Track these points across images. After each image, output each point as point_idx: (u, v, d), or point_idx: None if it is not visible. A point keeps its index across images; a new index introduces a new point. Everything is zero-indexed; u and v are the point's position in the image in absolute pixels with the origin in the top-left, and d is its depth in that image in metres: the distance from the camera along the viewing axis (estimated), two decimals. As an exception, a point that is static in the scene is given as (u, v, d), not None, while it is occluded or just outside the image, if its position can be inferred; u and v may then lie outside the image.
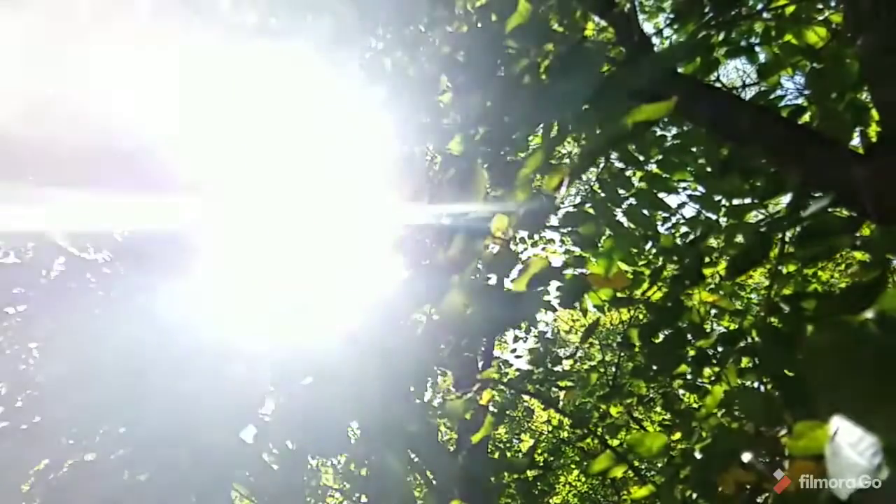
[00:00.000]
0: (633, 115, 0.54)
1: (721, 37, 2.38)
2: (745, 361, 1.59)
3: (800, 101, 3.19)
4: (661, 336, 1.52)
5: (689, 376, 1.75)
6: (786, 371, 1.12)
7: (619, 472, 1.18)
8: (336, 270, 1.54)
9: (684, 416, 1.88)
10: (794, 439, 0.69)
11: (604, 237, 2.28)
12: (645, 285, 1.87)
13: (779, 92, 2.39)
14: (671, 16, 2.11)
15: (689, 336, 1.46)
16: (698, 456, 1.14)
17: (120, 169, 2.47)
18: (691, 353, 1.50)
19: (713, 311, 2.41)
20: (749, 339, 1.41)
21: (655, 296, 1.78)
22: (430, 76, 2.62)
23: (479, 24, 2.44)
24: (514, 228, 0.94)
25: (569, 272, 1.48)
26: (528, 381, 4.67)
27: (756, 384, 1.76)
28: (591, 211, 2.53)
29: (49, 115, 2.24)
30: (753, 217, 2.59)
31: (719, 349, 1.53)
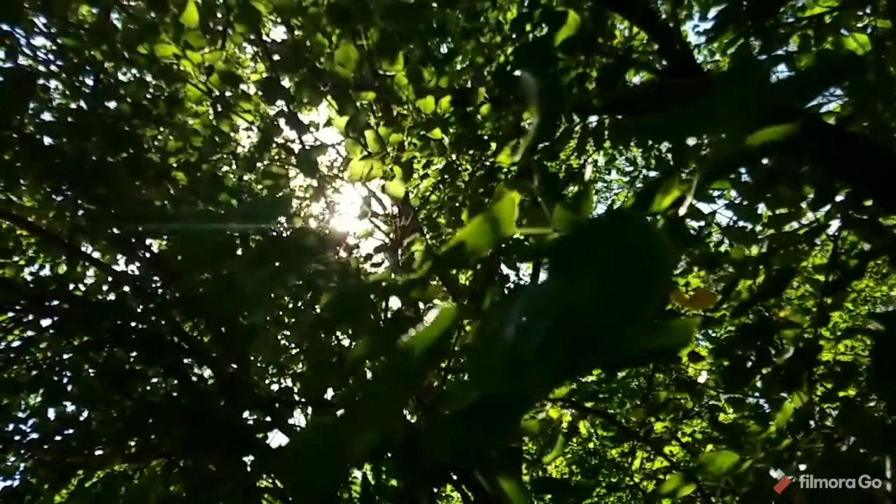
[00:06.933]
0: (753, 137, 0.53)
1: (759, 44, 2.35)
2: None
3: (832, 106, 3.14)
4: (734, 354, 1.50)
5: (755, 393, 1.72)
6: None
7: (687, 492, 1.16)
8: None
9: (732, 430, 1.85)
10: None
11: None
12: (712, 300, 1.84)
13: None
14: (711, 22, 2.10)
15: (772, 353, 1.44)
16: (775, 475, 1.11)
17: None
18: (767, 370, 1.48)
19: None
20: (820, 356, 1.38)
21: (718, 313, 1.75)
22: (463, 87, 2.61)
23: (514, 36, 2.44)
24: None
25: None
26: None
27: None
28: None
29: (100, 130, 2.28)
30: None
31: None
